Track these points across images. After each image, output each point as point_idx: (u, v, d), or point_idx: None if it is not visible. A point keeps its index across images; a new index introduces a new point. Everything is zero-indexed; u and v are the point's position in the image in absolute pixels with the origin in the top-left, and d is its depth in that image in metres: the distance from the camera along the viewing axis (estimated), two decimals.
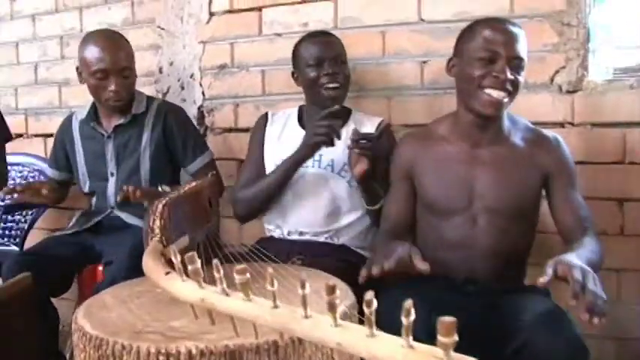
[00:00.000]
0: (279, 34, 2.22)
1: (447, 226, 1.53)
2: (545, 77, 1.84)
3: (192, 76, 2.38)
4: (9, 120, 2.39)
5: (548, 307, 1.33)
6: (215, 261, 0.79)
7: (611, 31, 1.86)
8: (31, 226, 2.47)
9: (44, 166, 2.49)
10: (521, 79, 1.47)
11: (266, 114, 1.95)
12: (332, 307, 0.66)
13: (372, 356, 0.63)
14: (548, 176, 1.52)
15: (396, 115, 2.02)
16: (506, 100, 1.45)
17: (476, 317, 1.35)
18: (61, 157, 2.17)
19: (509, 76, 1.43)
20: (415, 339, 0.61)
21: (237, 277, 0.75)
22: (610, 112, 1.79)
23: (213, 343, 0.91)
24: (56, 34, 2.67)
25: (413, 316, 0.59)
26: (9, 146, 2.33)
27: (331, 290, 0.65)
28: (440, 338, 0.55)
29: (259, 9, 2.24)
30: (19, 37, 2.77)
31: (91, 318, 1.06)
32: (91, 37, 1.99)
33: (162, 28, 2.42)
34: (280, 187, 1.78)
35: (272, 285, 0.72)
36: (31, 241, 2.29)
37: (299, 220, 1.81)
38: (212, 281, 0.84)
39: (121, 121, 2.03)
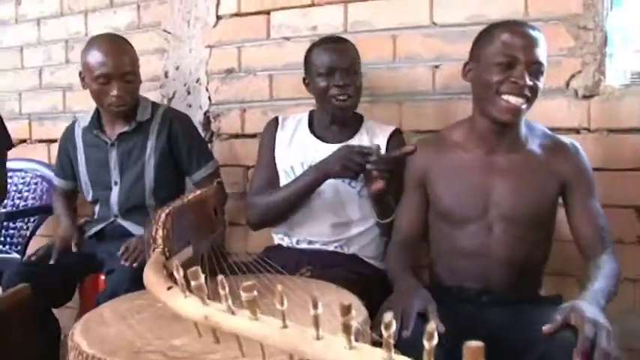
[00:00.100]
0: (287, 38, 2.18)
1: (462, 235, 1.49)
2: (560, 82, 1.80)
3: (198, 80, 2.34)
4: (12, 125, 2.36)
5: None
6: (220, 277, 0.74)
7: (628, 34, 1.82)
8: (33, 233, 2.45)
9: (47, 172, 2.47)
10: (540, 84, 1.42)
11: (276, 118, 1.91)
12: (347, 329, 0.62)
13: None
14: (565, 184, 1.48)
15: (408, 121, 1.99)
16: (524, 106, 1.41)
17: (491, 329, 1.32)
18: (67, 165, 2.13)
19: (528, 81, 1.39)
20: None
21: (244, 295, 0.71)
22: (627, 117, 1.75)
23: None
24: (61, 38, 2.64)
25: (436, 340, 0.56)
26: (12, 151, 2.29)
27: (346, 311, 0.60)
28: None
29: (267, 12, 2.21)
30: (23, 42, 2.75)
31: (89, 334, 1.02)
32: (93, 42, 1.96)
33: (169, 32, 2.39)
34: (296, 203, 1.74)
35: (282, 304, 0.67)
36: (32, 249, 2.25)
37: (308, 228, 1.77)
38: (217, 296, 0.79)
39: (125, 128, 1.99)
